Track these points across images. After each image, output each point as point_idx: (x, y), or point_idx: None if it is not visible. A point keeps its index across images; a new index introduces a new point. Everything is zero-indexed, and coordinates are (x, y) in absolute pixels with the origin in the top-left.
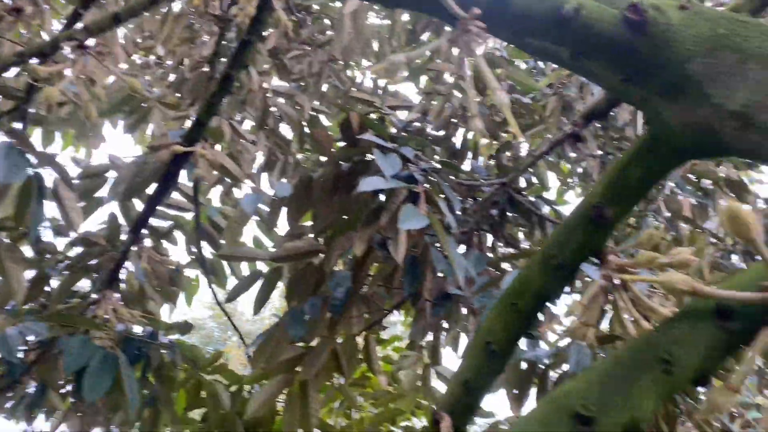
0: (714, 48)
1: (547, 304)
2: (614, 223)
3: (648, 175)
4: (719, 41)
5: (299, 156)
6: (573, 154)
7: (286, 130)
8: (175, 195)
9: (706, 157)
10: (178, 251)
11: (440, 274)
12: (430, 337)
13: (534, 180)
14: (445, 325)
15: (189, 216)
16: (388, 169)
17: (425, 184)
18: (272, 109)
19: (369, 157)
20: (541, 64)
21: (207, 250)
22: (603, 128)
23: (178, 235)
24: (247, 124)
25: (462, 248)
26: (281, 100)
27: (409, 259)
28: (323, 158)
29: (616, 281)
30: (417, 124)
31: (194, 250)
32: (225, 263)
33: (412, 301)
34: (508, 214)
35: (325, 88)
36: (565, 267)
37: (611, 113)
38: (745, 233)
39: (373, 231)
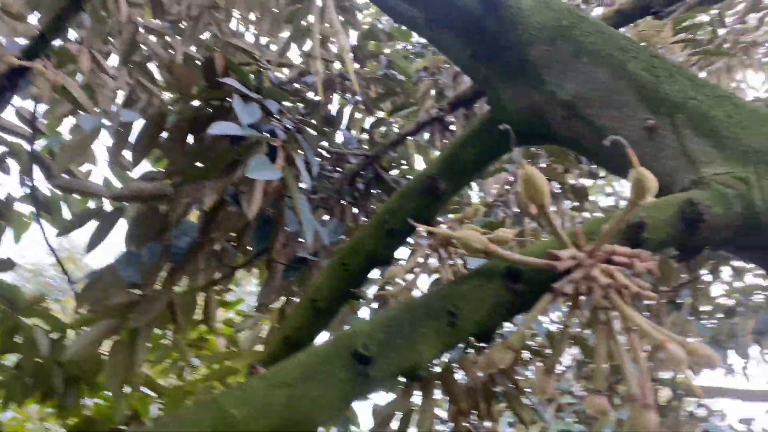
0: (555, 37)
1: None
2: (447, 196)
3: (483, 153)
4: (561, 32)
5: (165, 97)
6: (445, 141)
7: (156, 74)
8: (15, 120)
9: (537, 143)
10: (10, 183)
11: (300, 240)
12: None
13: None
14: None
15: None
16: (245, 117)
17: (286, 141)
18: (142, 47)
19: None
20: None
21: (43, 185)
22: (466, 117)
23: (12, 164)
24: (115, 61)
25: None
26: (153, 38)
27: (262, 218)
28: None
29: (443, 252)
30: (296, 85)
31: (27, 181)
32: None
33: (266, 263)
34: (373, 190)
35: (205, 36)
36: (397, 232)
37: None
38: (538, 198)
39: (227, 182)
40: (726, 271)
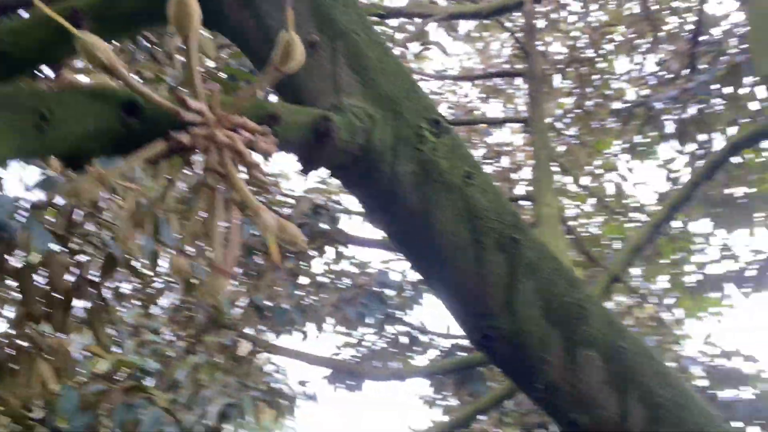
0: None
1: None
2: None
3: (143, 10)
4: None
5: None
6: None
7: None
8: None
9: (210, 27)
10: None
11: None
12: None
13: None
14: None
15: None
16: None
17: None
18: None
19: None
20: None
21: None
22: None
23: None
24: None
25: None
26: None
27: None
28: None
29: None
30: None
31: None
32: None
33: None
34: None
35: None
36: (11, 59)
37: None
38: (186, 27)
39: None
40: (330, 253)
